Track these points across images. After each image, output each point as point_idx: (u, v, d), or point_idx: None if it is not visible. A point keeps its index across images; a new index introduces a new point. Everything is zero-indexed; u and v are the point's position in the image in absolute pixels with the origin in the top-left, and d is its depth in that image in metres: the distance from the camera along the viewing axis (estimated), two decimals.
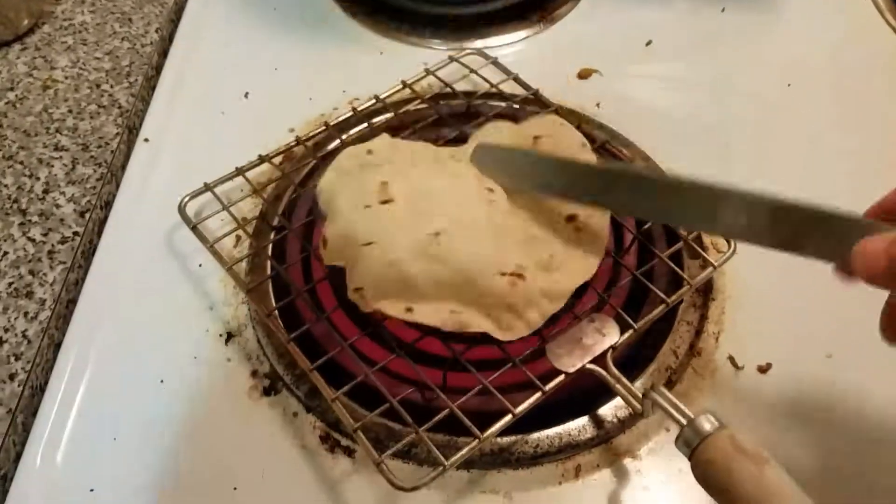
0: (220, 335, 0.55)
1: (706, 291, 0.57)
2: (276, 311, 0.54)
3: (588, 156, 0.54)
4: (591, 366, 0.49)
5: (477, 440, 0.46)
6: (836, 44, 0.76)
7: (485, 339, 0.51)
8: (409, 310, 0.47)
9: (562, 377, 0.48)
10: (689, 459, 0.42)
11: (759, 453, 0.40)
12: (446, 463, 0.45)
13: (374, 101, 0.65)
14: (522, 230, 0.51)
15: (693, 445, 0.41)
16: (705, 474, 0.41)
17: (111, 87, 0.67)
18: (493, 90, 0.66)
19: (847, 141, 0.67)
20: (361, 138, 0.60)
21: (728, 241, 0.55)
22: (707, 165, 0.63)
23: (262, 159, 0.61)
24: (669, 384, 0.52)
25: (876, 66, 0.73)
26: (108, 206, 0.62)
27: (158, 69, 0.72)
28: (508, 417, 0.47)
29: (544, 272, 0.49)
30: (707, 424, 0.42)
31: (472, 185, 0.53)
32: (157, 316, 0.56)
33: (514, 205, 0.53)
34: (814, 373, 0.53)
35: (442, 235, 0.49)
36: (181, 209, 0.58)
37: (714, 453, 0.40)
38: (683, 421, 0.43)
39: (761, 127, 0.68)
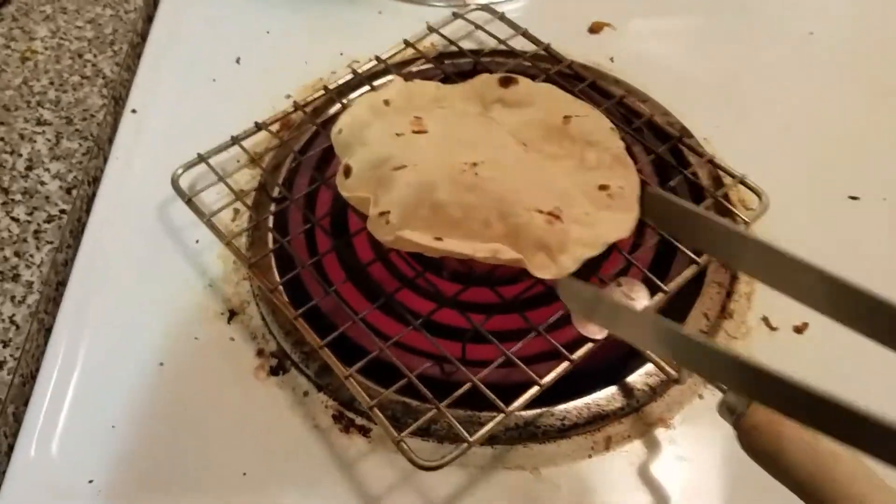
0: (222, 313, 0.52)
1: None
2: (281, 287, 0.51)
3: (616, 142, 0.51)
4: None
5: (502, 414, 0.43)
6: None
7: (505, 307, 0.48)
8: (437, 239, 0.44)
9: (590, 345, 0.45)
10: (734, 427, 0.39)
11: None
12: (470, 439, 0.42)
13: (374, 62, 0.61)
14: (558, 184, 0.48)
15: (738, 411, 0.38)
16: (753, 442, 0.37)
17: (94, 56, 0.63)
18: (502, 47, 0.62)
19: (868, 92, 0.63)
20: None
21: (758, 195, 0.52)
22: (725, 117, 0.61)
23: (258, 127, 0.57)
24: None
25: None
26: (95, 181, 0.58)
27: (144, 36, 0.68)
28: (535, 389, 0.44)
29: (578, 225, 0.46)
30: None
31: (505, 134, 0.50)
32: (153, 296, 0.53)
33: (550, 162, 0.50)
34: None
35: (479, 166, 0.46)
36: (174, 182, 0.55)
37: (761, 418, 0.37)
38: (725, 385, 0.40)
39: (781, 77, 0.65)
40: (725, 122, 0.61)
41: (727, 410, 0.39)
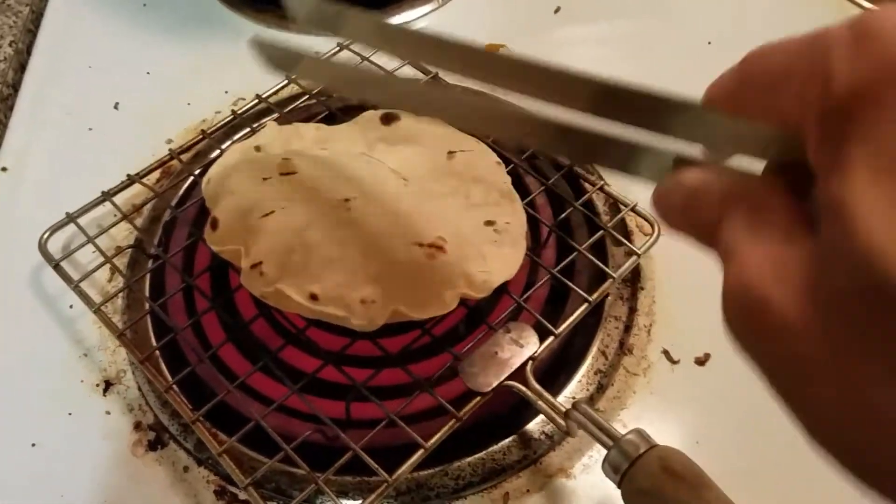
0: (97, 385, 0.49)
1: (634, 281, 0.52)
2: (158, 353, 0.48)
3: (503, 177, 0.49)
4: (510, 382, 0.43)
5: (385, 484, 0.40)
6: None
7: (391, 361, 0.45)
8: (313, 297, 0.41)
9: (477, 399, 0.43)
10: (619, 487, 0.37)
11: (697, 476, 0.35)
12: None
13: (256, 100, 0.58)
14: (441, 218, 0.46)
15: (621, 471, 0.36)
16: None
17: None
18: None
19: None
20: None
21: (651, 224, 0.50)
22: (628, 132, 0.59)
23: (131, 179, 0.54)
24: (600, 389, 0.47)
25: (798, 21, 0.68)
26: None
27: (16, 87, 0.64)
28: (420, 453, 0.41)
29: (464, 259, 0.43)
30: (635, 445, 0.37)
31: (386, 170, 0.48)
32: (24, 370, 0.50)
33: (433, 200, 0.47)
34: None
35: (352, 201, 0.43)
36: (41, 246, 0.51)
37: (644, 481, 0.35)
38: (609, 442, 0.38)
39: (682, 89, 0.63)
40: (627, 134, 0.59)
41: (611, 469, 0.37)
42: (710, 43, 0.66)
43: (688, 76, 0.61)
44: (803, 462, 0.43)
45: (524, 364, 0.44)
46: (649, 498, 0.35)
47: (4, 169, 0.58)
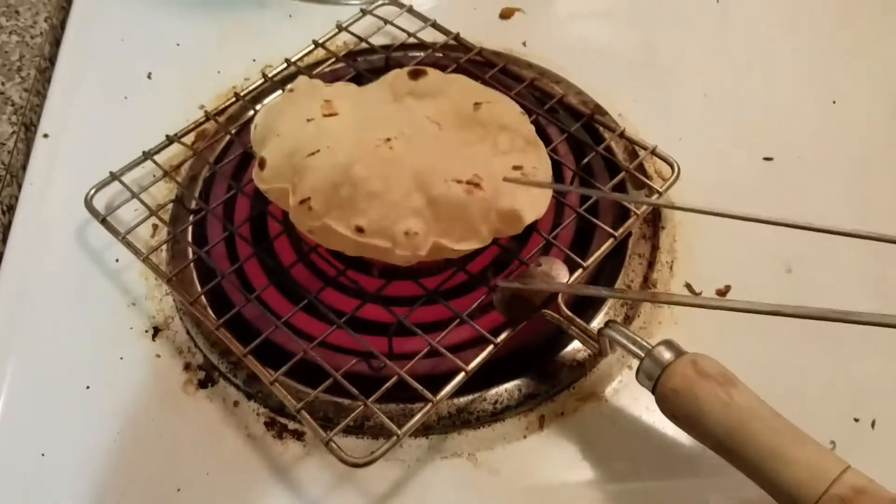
0: (146, 331, 0.51)
1: (655, 221, 0.54)
2: (204, 298, 0.50)
3: (527, 126, 0.51)
4: (543, 311, 0.46)
5: (430, 404, 0.43)
6: None
7: (429, 298, 0.48)
8: (359, 230, 0.43)
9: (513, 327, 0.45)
10: (653, 392, 0.39)
11: (726, 375, 0.38)
12: (399, 432, 0.42)
13: (285, 65, 0.61)
14: (475, 161, 0.48)
15: (655, 377, 0.39)
16: (671, 405, 0.38)
17: (2, 84, 0.62)
18: (412, 40, 0.62)
19: (780, 54, 0.64)
20: None
21: (671, 165, 0.52)
22: (640, 90, 0.62)
23: (169, 140, 0.57)
24: (627, 320, 0.50)
25: None
26: (10, 210, 0.57)
27: (52, 60, 0.67)
28: (461, 376, 0.44)
29: (498, 195, 0.46)
30: (667, 353, 0.39)
31: (420, 115, 0.50)
32: (76, 320, 0.52)
33: (464, 146, 0.50)
34: (774, 289, 0.51)
35: (394, 141, 0.46)
36: (87, 202, 0.54)
37: (677, 381, 0.38)
38: (641, 353, 0.40)
39: (694, 45, 0.65)
40: (641, 96, 0.61)
41: (645, 377, 0.40)
42: (718, 1, 0.68)
43: (696, 42, 0.65)
44: (825, 390, 0.46)
45: (556, 294, 0.46)
46: (681, 396, 0.37)
47: (46, 136, 0.61)
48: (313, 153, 0.46)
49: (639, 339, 0.41)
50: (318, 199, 0.44)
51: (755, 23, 0.67)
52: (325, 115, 0.48)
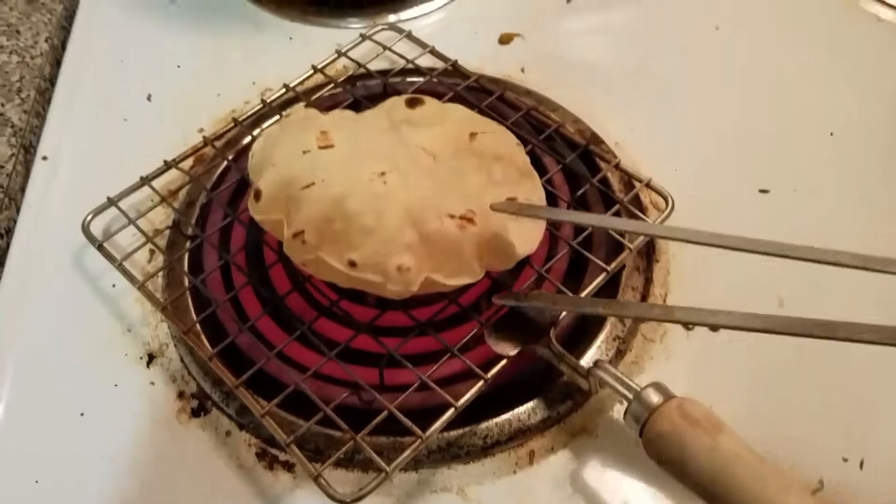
0: (141, 358, 0.52)
1: (649, 253, 0.54)
2: (199, 326, 0.50)
3: (522, 156, 0.51)
4: (534, 346, 0.46)
5: (419, 440, 0.43)
6: None
7: (420, 329, 0.48)
8: (352, 264, 0.44)
9: (503, 362, 0.45)
10: (640, 436, 0.39)
11: (712, 420, 0.38)
12: (387, 469, 0.42)
13: (284, 90, 0.61)
14: (468, 195, 0.48)
15: (642, 420, 0.39)
16: (657, 450, 0.38)
17: (2, 105, 0.62)
18: (410, 66, 0.62)
19: (777, 85, 0.64)
20: None
21: (665, 199, 0.53)
22: (637, 119, 0.62)
23: (167, 165, 0.57)
24: (619, 354, 0.50)
25: (804, 6, 0.71)
26: (9, 233, 0.58)
27: (52, 80, 0.67)
28: (451, 412, 0.44)
29: (491, 231, 0.46)
30: (654, 396, 0.39)
31: (415, 146, 0.50)
32: (71, 345, 0.52)
33: (457, 177, 0.50)
34: None
35: (387, 175, 0.46)
36: (85, 228, 0.54)
37: (663, 426, 0.38)
38: (630, 395, 0.40)
39: (691, 74, 0.65)
40: (638, 125, 0.62)
41: (632, 419, 0.40)
42: (717, 28, 0.68)
43: (694, 71, 0.65)
44: (815, 428, 0.46)
45: (547, 329, 0.46)
46: (668, 441, 0.37)
47: (45, 158, 0.61)
48: (307, 186, 0.46)
49: (627, 381, 0.41)
50: (311, 232, 0.45)
51: (755, 53, 0.67)
52: (320, 147, 0.48)
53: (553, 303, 0.46)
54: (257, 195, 0.48)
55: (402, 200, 0.45)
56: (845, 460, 0.45)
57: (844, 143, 0.60)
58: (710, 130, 0.61)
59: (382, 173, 0.46)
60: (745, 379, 0.49)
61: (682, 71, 0.66)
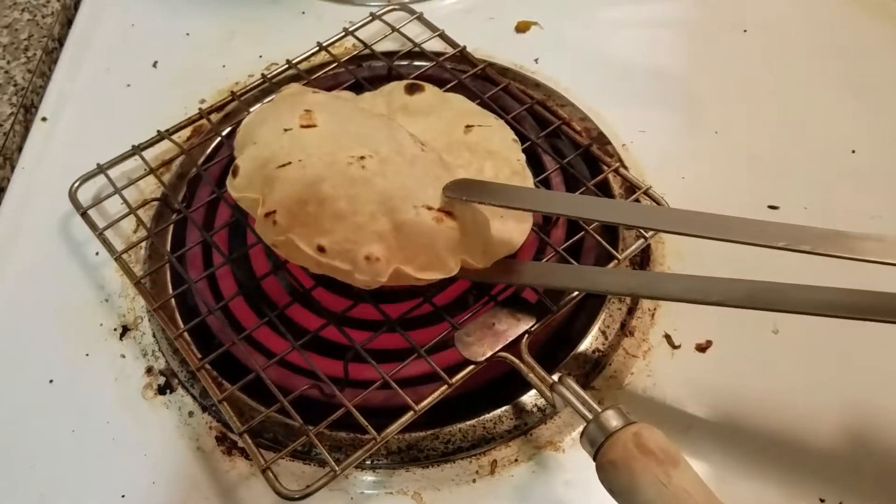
0: (115, 329, 0.51)
1: (643, 264, 0.52)
2: (174, 303, 0.50)
3: (517, 154, 0.49)
4: (503, 354, 0.44)
5: (373, 441, 0.42)
6: None
7: (391, 325, 0.46)
8: (320, 249, 0.42)
9: (470, 368, 0.44)
10: (594, 459, 0.37)
11: (668, 452, 0.36)
12: (337, 469, 0.41)
13: (286, 66, 0.60)
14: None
15: (597, 444, 0.37)
16: (608, 477, 0.36)
17: (7, 63, 0.62)
18: (417, 49, 0.60)
19: (795, 99, 0.61)
20: None
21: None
22: (650, 121, 0.59)
23: (160, 135, 0.56)
24: (597, 367, 0.48)
25: (835, 9, 0.67)
26: (1, 192, 0.58)
27: (61, 41, 0.67)
28: (409, 415, 0.42)
29: (469, 228, 0.44)
30: (613, 420, 0.37)
31: (405, 133, 0.48)
32: (49, 311, 0.52)
33: (444, 170, 0.48)
34: (757, 350, 0.48)
35: (367, 160, 0.44)
36: (71, 194, 0.54)
37: (616, 454, 0.36)
38: (589, 416, 0.38)
39: (711, 80, 0.62)
40: (650, 127, 0.59)
41: (588, 443, 0.38)
42: (745, 31, 0.65)
43: (715, 76, 0.61)
44: (792, 453, 0.44)
45: (520, 337, 0.44)
46: (618, 470, 0.35)
47: (44, 119, 0.61)
48: (283, 165, 0.45)
49: (588, 401, 0.39)
50: (283, 213, 0.43)
51: (780, 61, 0.63)
52: (302, 126, 0.47)
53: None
54: (234, 172, 0.46)
55: (379, 186, 0.43)
56: (822, 501, 0.43)
57: (865, 160, 0.56)
58: (723, 138, 0.58)
59: (362, 157, 0.44)
60: (725, 403, 0.46)
61: (702, 74, 0.62)
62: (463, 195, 0.44)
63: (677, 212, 0.42)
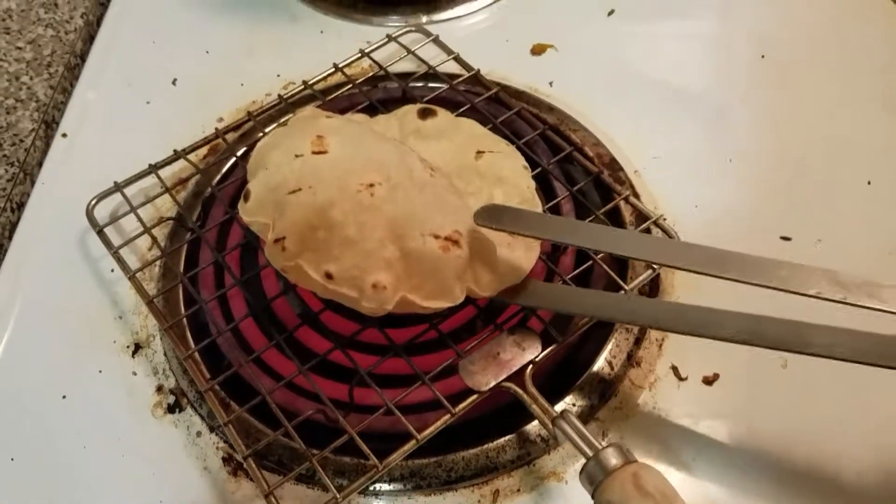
0: (128, 346, 0.52)
1: (652, 294, 0.52)
2: (185, 322, 0.51)
3: (527, 181, 0.50)
4: (507, 383, 0.44)
5: (375, 469, 0.42)
6: (808, 9, 0.69)
7: (396, 351, 0.47)
8: (328, 276, 0.43)
9: (474, 397, 0.44)
10: (592, 497, 0.37)
11: (666, 493, 0.36)
12: (338, 496, 0.41)
13: (301, 86, 0.60)
14: (459, 216, 0.47)
15: (596, 482, 0.37)
16: None
17: (31, 79, 0.64)
18: (431, 72, 0.61)
19: (812, 128, 0.60)
20: None
21: (674, 238, 0.50)
22: (664, 149, 0.59)
23: (177, 154, 0.57)
24: (603, 398, 0.48)
25: (855, 33, 0.66)
26: (21, 207, 0.59)
27: (83, 57, 0.68)
28: (412, 443, 0.43)
29: (477, 257, 0.45)
30: (613, 458, 0.37)
31: (415, 159, 0.49)
32: (63, 326, 0.53)
33: (453, 197, 0.48)
34: (765, 385, 0.48)
35: (376, 187, 0.44)
36: (88, 211, 0.55)
37: (614, 493, 0.36)
38: (589, 453, 0.38)
39: (729, 104, 0.62)
40: (663, 153, 0.59)
41: (587, 480, 0.38)
42: (763, 57, 0.64)
43: (732, 103, 0.61)
44: (799, 493, 0.43)
45: (524, 367, 0.45)
46: None
47: (65, 135, 0.62)
48: (294, 191, 0.45)
49: (589, 437, 0.39)
50: (292, 238, 0.44)
51: (798, 89, 0.62)
52: (313, 153, 0.47)
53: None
54: (246, 196, 0.47)
55: (388, 214, 0.44)
56: None
57: (882, 193, 0.55)
58: (737, 167, 0.58)
59: (371, 185, 0.45)
60: (730, 437, 0.46)
61: (719, 101, 0.62)
62: (493, 224, 0.44)
63: (694, 247, 0.42)
